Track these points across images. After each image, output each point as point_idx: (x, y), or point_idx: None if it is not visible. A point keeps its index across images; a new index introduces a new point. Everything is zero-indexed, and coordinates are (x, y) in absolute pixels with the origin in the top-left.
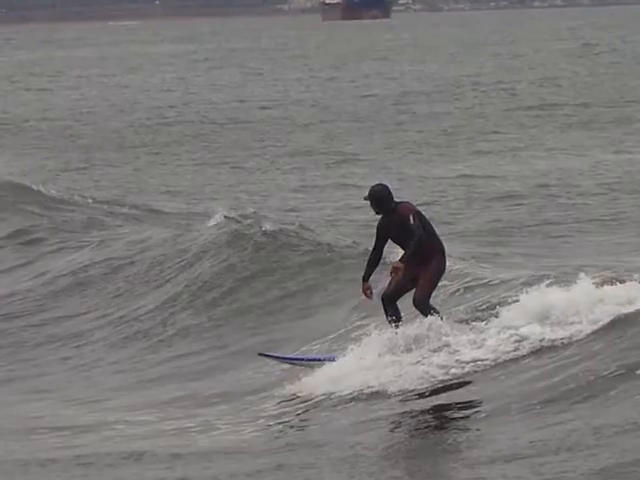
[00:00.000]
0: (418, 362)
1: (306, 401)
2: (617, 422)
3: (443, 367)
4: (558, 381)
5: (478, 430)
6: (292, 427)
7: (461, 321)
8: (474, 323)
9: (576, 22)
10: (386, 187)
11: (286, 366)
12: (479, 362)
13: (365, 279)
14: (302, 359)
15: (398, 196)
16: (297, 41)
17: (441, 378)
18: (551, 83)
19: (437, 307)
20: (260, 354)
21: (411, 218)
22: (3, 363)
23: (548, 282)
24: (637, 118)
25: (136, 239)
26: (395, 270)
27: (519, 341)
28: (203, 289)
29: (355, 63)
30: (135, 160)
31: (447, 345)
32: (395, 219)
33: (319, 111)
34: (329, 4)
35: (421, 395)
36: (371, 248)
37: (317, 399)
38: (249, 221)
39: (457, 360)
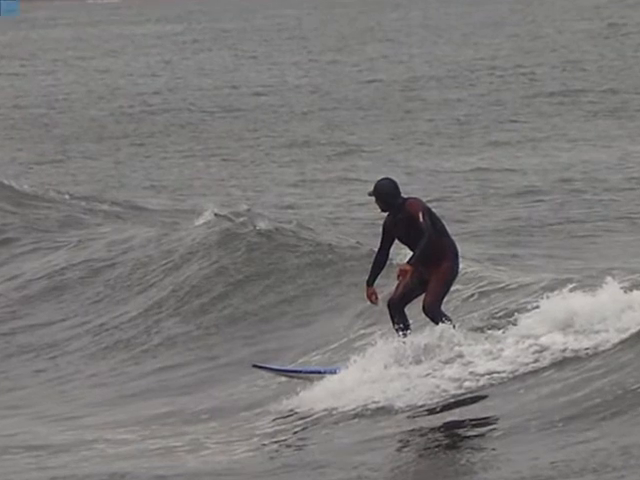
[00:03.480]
0: (428, 374)
1: (305, 417)
2: None
3: (455, 380)
4: (582, 396)
5: (494, 450)
6: (289, 446)
7: (475, 329)
8: (490, 332)
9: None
10: (393, 182)
11: (283, 379)
12: (495, 375)
13: (369, 283)
14: (300, 371)
15: (406, 192)
16: (295, 21)
17: (453, 392)
18: (575, 67)
19: (449, 314)
20: (254, 366)
21: (420, 216)
22: None
23: (571, 286)
24: None
25: (117, 239)
26: (402, 273)
27: (539, 351)
28: (191, 294)
29: (359, 45)
30: (116, 152)
31: (460, 356)
32: (402, 217)
33: (319, 98)
34: None
35: (431, 411)
36: (376, 249)
37: (317, 415)
38: (242, 219)
39: (471, 372)
